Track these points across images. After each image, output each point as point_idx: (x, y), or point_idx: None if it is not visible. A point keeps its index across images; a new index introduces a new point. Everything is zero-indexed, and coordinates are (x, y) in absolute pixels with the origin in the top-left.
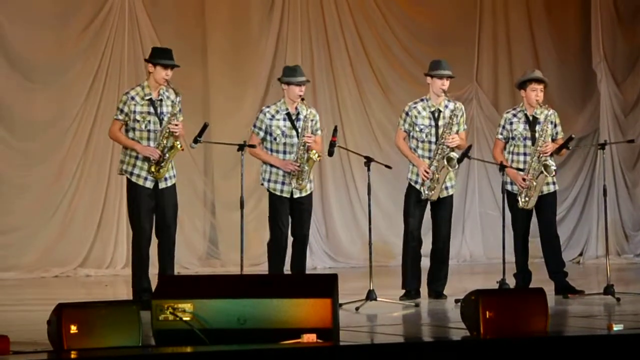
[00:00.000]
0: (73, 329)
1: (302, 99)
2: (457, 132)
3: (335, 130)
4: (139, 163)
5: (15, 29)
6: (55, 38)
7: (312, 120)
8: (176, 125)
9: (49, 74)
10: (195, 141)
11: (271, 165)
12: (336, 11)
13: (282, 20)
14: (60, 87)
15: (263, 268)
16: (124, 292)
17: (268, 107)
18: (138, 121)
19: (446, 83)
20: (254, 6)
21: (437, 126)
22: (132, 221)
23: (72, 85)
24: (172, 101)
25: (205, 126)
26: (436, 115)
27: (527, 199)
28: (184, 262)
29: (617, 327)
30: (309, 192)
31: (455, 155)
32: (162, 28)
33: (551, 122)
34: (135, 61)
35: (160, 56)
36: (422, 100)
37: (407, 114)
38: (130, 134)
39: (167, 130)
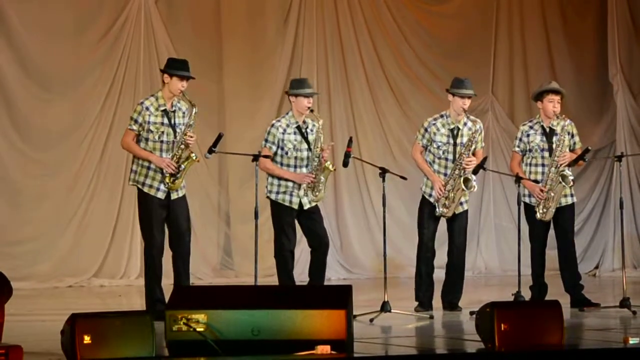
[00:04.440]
0: (86, 339)
1: (312, 111)
2: (474, 150)
3: (350, 141)
4: (150, 173)
5: (32, 39)
6: (71, 48)
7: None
8: (191, 136)
9: (65, 84)
10: (210, 151)
11: (279, 178)
12: (351, 22)
13: (297, 32)
14: (76, 97)
15: (277, 279)
16: (138, 303)
17: (278, 120)
18: (152, 132)
19: (467, 102)
20: (269, 17)
21: (455, 144)
22: (144, 232)
23: (88, 95)
24: (183, 112)
25: (219, 136)
26: (455, 132)
27: (545, 210)
28: (197, 273)
29: (633, 341)
30: (315, 203)
31: (472, 177)
32: (178, 38)
33: (568, 133)
34: (151, 71)
35: (176, 67)
36: (441, 116)
37: (426, 129)
38: (142, 144)
39: (184, 142)
